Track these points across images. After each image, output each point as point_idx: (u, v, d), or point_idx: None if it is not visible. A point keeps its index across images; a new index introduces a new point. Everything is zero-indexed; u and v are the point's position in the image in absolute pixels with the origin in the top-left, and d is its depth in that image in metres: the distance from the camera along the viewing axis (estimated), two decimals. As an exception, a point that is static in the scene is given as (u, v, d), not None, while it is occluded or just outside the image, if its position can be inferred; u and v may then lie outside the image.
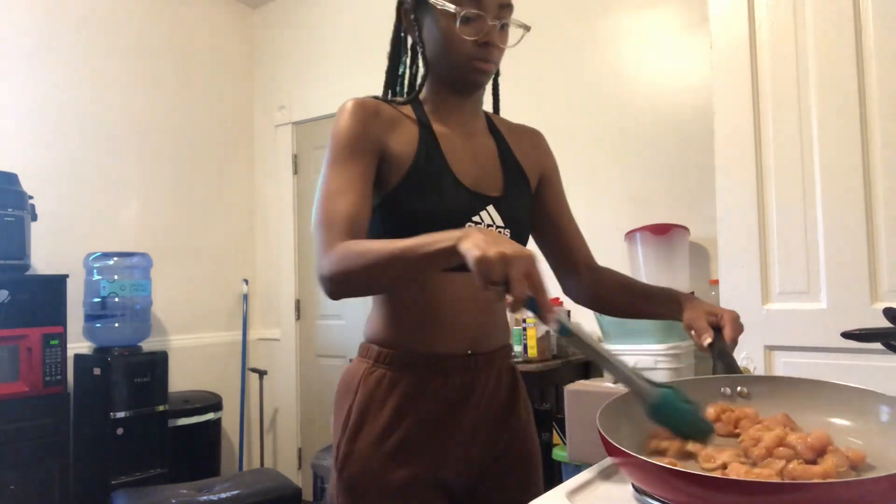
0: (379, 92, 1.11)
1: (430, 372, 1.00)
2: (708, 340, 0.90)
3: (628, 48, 2.63)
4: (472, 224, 1.00)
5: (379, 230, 1.01)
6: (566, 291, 1.22)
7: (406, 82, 1.11)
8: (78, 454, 2.74)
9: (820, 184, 1.57)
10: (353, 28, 3.48)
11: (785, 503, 0.57)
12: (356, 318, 3.49)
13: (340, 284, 0.90)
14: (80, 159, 3.06)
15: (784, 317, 1.59)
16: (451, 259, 0.80)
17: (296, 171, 3.74)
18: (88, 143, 3.10)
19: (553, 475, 2.44)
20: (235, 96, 3.84)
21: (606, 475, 0.81)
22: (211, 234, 3.64)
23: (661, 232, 2.34)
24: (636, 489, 0.73)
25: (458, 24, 0.98)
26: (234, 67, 3.85)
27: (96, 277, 2.87)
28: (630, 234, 2.43)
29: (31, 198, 2.61)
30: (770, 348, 1.60)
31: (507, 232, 1.03)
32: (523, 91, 2.78)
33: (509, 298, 0.74)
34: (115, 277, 2.87)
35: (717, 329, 0.91)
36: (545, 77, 2.81)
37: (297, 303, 3.72)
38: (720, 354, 0.88)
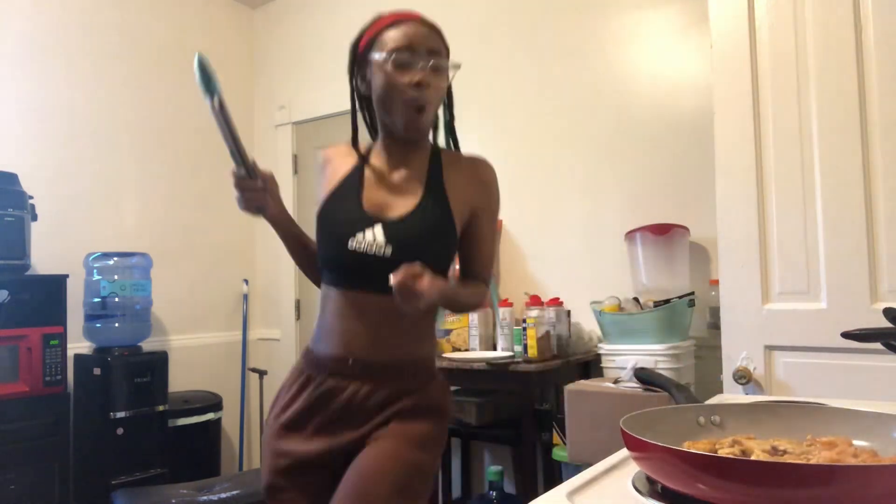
0: None
1: (316, 369, 1.25)
2: None
3: (628, 48, 2.63)
4: (354, 237, 1.22)
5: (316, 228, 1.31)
6: None
7: (371, 129, 1.35)
8: (78, 454, 2.74)
9: (820, 184, 1.57)
10: (354, 28, 3.45)
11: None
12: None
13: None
14: (80, 159, 3.06)
15: (784, 317, 1.59)
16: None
17: (296, 171, 3.74)
18: (88, 143, 3.10)
19: (553, 475, 2.44)
20: (235, 96, 3.84)
21: (607, 475, 0.81)
22: (211, 234, 3.64)
23: (661, 232, 2.34)
24: (637, 489, 0.73)
25: (391, 68, 1.19)
26: (234, 67, 3.85)
27: (96, 277, 2.87)
28: (630, 234, 2.43)
29: (31, 198, 2.61)
30: (770, 348, 1.60)
31: (389, 248, 1.20)
32: (524, 92, 2.80)
33: None
34: (115, 277, 2.87)
35: None
36: (545, 77, 2.81)
37: (297, 303, 3.72)
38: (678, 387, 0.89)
